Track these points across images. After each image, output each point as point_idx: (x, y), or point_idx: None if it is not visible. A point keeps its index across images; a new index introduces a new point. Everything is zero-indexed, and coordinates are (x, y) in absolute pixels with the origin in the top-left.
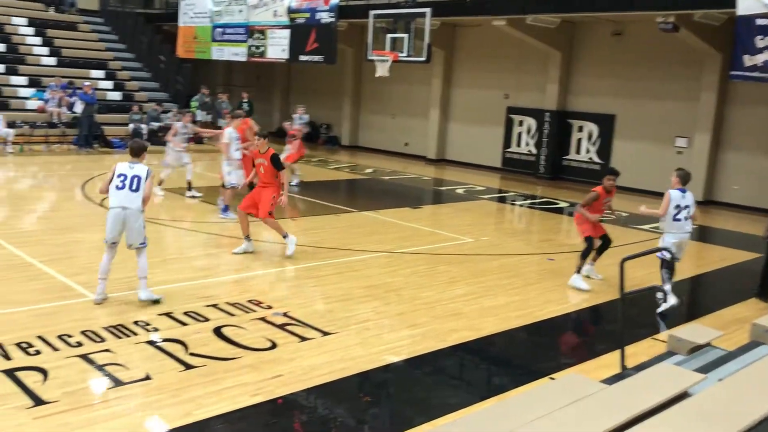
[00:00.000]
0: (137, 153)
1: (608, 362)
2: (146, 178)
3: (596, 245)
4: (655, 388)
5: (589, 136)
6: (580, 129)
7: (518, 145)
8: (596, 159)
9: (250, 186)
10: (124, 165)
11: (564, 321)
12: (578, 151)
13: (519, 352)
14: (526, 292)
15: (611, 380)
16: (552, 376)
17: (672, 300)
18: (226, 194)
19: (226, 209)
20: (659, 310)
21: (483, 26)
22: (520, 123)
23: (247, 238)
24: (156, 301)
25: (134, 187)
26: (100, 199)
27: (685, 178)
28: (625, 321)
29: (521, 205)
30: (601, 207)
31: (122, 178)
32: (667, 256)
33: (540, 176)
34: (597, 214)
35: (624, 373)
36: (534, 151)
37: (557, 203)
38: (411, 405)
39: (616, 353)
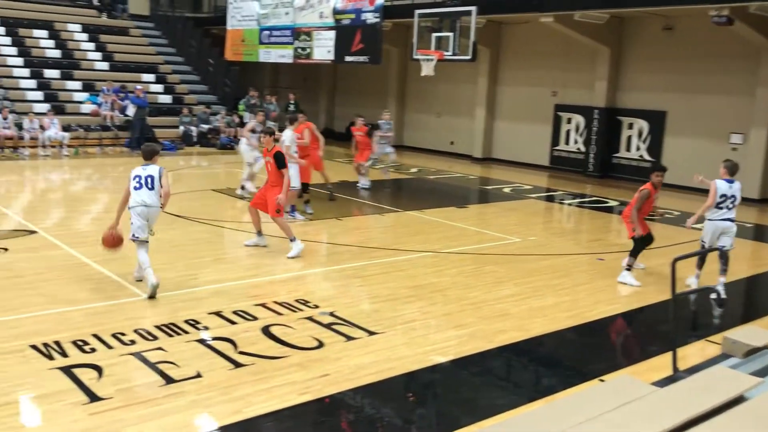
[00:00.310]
0: (149, 156)
1: (660, 364)
2: (159, 177)
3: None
4: (708, 392)
5: (640, 134)
6: (630, 126)
7: (566, 143)
8: (647, 156)
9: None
10: (138, 168)
11: (614, 322)
12: (628, 149)
13: (568, 353)
14: (575, 293)
15: (663, 383)
16: (602, 377)
17: (692, 280)
18: (290, 196)
19: (292, 210)
20: (687, 281)
21: (530, 23)
22: (569, 120)
23: (259, 233)
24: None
25: (150, 185)
26: None
27: (732, 170)
28: (678, 322)
29: (570, 204)
30: (651, 204)
31: (138, 179)
32: (704, 245)
33: (589, 174)
34: (649, 212)
35: (676, 376)
36: (583, 149)
37: (607, 202)
38: (458, 405)
39: (668, 355)
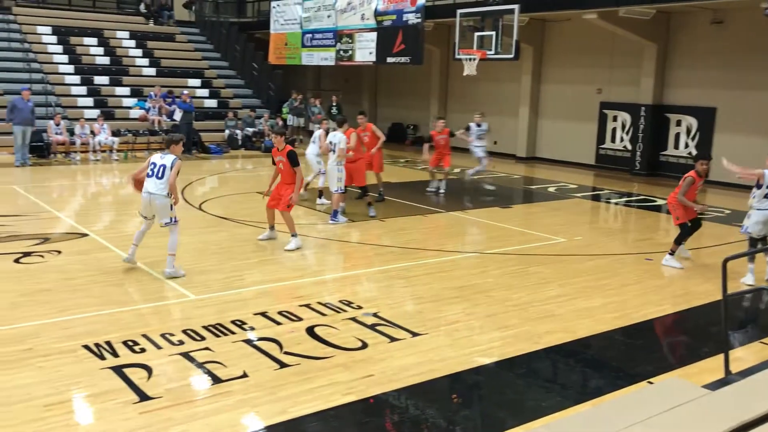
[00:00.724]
0: (167, 144)
1: (711, 366)
2: (171, 168)
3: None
4: (763, 395)
5: (688, 131)
6: (678, 123)
7: (612, 141)
8: (696, 154)
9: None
10: (157, 155)
11: (663, 323)
12: (676, 146)
13: (615, 354)
14: (622, 293)
15: (714, 385)
16: (651, 380)
17: (748, 278)
18: (334, 199)
19: (335, 214)
20: (743, 279)
21: (573, 20)
22: (614, 118)
23: (271, 227)
24: (177, 277)
25: (160, 175)
26: (199, 204)
27: None
28: (731, 323)
29: (616, 204)
30: (695, 191)
31: (152, 166)
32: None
33: (636, 173)
34: (693, 200)
35: (729, 379)
36: (629, 147)
37: (655, 200)
38: (503, 407)
39: (720, 357)
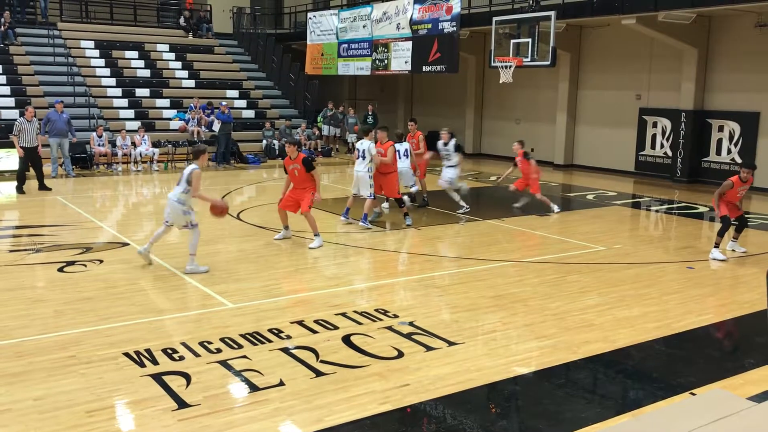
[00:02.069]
0: (195, 156)
1: (756, 378)
2: (186, 177)
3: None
4: None
5: (731, 136)
6: (721, 129)
7: (652, 147)
8: (739, 160)
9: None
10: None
11: (706, 333)
12: (719, 152)
13: (656, 365)
14: (663, 303)
15: (760, 397)
16: (693, 391)
17: None
18: (367, 204)
19: (365, 218)
20: None
21: (611, 26)
22: (654, 124)
23: (286, 227)
24: (198, 273)
25: (179, 182)
26: (237, 213)
27: None
28: None
29: (657, 211)
30: (736, 195)
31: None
32: None
33: (677, 180)
34: (732, 203)
35: None
36: (670, 153)
37: (697, 208)
38: (541, 418)
39: (766, 368)
